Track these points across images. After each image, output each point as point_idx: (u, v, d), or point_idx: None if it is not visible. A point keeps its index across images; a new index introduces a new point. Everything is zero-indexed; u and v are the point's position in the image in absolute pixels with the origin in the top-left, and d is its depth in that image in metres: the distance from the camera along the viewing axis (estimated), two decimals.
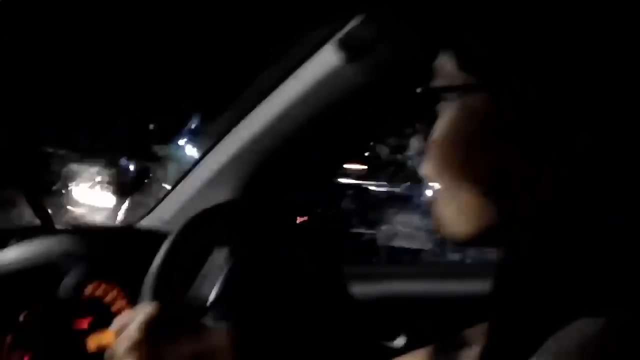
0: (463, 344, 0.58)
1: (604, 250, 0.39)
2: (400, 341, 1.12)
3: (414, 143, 0.48)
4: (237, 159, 1.03)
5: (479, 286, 1.16)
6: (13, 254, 0.90)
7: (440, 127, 0.44)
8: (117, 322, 0.62)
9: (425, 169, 0.46)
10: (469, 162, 0.43)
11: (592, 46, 0.39)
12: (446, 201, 0.45)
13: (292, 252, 0.82)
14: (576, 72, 0.39)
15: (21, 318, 0.79)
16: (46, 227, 1.01)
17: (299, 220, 1.05)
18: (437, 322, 1.15)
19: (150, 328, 0.57)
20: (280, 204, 1.02)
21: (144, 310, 0.59)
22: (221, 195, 1.04)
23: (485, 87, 0.42)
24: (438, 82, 0.45)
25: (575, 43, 0.39)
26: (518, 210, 0.42)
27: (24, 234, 0.94)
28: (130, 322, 0.59)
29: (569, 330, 0.35)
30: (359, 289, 1.11)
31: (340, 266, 0.86)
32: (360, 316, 0.90)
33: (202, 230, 0.76)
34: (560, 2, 0.40)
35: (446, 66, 0.44)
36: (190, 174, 1.10)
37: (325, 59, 0.87)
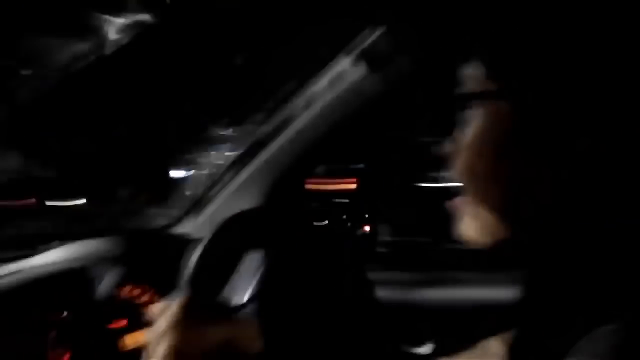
0: (486, 352, 0.59)
1: (607, 251, 0.40)
2: (426, 348, 1.12)
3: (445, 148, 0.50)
4: (263, 168, 1.05)
5: (504, 294, 1.16)
6: (55, 256, 0.94)
7: (469, 133, 0.46)
8: (151, 309, 0.63)
9: (455, 173, 0.48)
10: (494, 165, 0.44)
11: (592, 52, 0.40)
12: (470, 219, 0.47)
13: (317, 254, 0.84)
14: (576, 77, 0.41)
15: (63, 316, 0.83)
16: (88, 230, 1.05)
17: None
18: (462, 329, 1.14)
19: (183, 314, 0.59)
20: (303, 210, 1.04)
21: (177, 299, 0.61)
22: (249, 201, 1.07)
23: (510, 93, 0.43)
24: (466, 90, 0.47)
25: (575, 48, 0.41)
26: (520, 212, 0.43)
27: (67, 236, 0.98)
28: (164, 310, 0.61)
29: (601, 333, 0.36)
30: (387, 295, 1.12)
31: (366, 270, 0.88)
32: (386, 321, 0.91)
33: (232, 233, 0.78)
34: (558, 12, 0.41)
35: (474, 75, 0.46)
36: (220, 181, 1.12)
37: (348, 69, 0.89)
